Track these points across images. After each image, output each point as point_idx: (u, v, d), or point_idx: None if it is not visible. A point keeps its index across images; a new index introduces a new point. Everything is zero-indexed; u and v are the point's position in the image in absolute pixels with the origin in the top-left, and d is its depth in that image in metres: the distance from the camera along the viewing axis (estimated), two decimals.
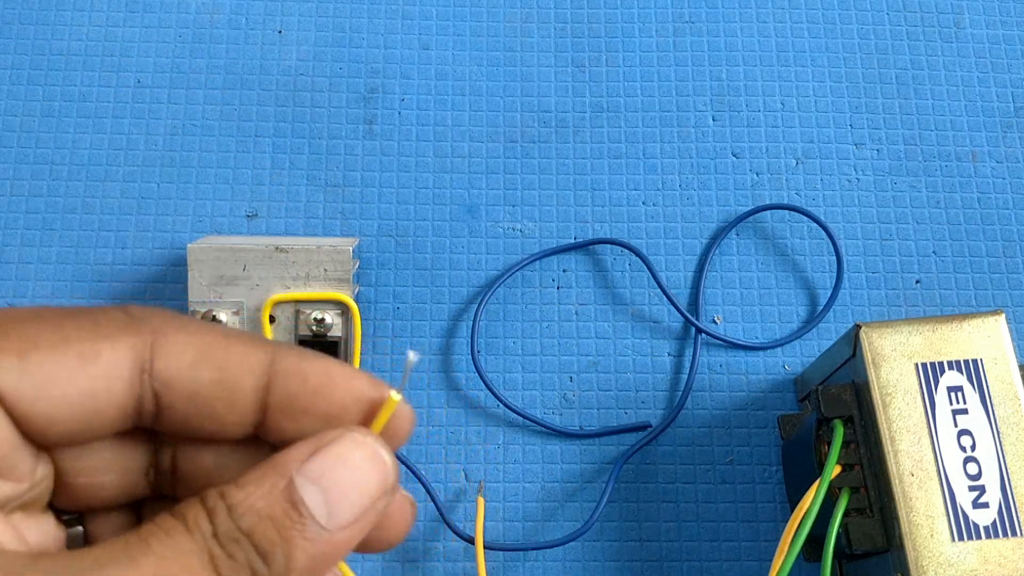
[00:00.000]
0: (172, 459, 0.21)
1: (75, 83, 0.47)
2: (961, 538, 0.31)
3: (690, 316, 0.44)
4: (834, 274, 0.45)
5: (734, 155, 0.47)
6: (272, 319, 0.41)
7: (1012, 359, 0.34)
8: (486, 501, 0.42)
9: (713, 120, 0.48)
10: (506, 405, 0.43)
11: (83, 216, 0.45)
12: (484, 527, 0.40)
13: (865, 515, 0.33)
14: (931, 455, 0.32)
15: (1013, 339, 0.34)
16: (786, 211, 0.46)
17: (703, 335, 0.44)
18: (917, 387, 0.33)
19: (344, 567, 0.21)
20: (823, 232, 0.46)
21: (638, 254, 0.45)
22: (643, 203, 0.46)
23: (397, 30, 0.49)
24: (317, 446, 0.18)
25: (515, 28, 0.49)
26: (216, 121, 0.47)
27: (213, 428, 0.20)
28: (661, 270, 0.45)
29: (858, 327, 0.34)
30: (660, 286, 0.44)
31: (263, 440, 0.20)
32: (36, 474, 0.19)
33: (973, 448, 0.32)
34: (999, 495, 0.32)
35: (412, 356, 0.21)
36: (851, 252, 0.46)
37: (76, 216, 0.45)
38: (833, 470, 0.33)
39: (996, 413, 0.33)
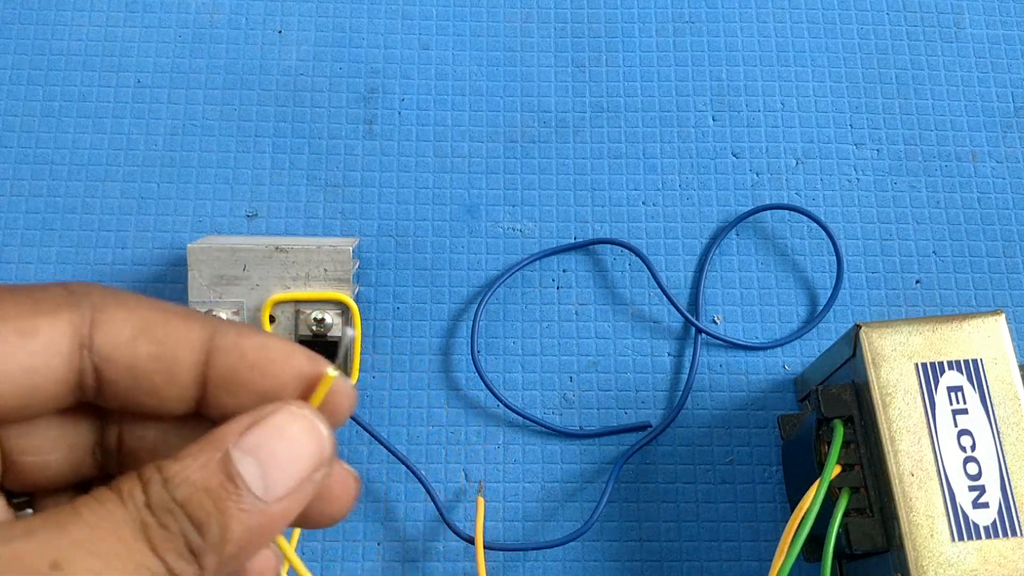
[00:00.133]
0: (118, 437, 0.21)
1: (75, 83, 0.47)
2: (961, 538, 0.31)
3: (690, 316, 0.44)
4: (834, 274, 0.45)
5: (734, 155, 0.47)
6: (272, 319, 0.41)
7: (1012, 359, 0.34)
8: (486, 501, 0.42)
9: (713, 120, 0.48)
10: (506, 405, 0.43)
11: (83, 216, 0.45)
12: (484, 527, 0.40)
13: (865, 515, 0.33)
14: (931, 455, 0.32)
15: (1013, 339, 0.34)
16: (786, 211, 0.46)
17: (703, 335, 0.44)
18: (917, 387, 0.33)
19: (284, 544, 0.21)
20: (823, 232, 0.46)
21: (638, 254, 0.45)
22: (643, 203, 0.46)
23: (397, 30, 0.49)
24: (255, 419, 0.18)
25: (515, 28, 0.49)
26: (216, 121, 0.47)
27: (154, 403, 0.20)
28: (661, 270, 0.45)
29: (858, 327, 0.34)
30: (660, 286, 0.44)
31: (206, 418, 0.20)
32: None
33: (973, 448, 0.32)
34: (999, 495, 0.32)
35: (349, 332, 0.21)
36: (851, 252, 0.46)
37: (76, 216, 0.45)
38: (833, 470, 0.33)
39: (996, 413, 0.33)
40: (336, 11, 0.49)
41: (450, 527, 0.40)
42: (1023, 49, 0.49)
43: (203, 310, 0.40)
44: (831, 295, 0.45)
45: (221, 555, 0.17)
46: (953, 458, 0.32)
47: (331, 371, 0.20)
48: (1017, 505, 0.32)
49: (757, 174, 0.47)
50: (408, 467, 0.41)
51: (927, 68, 0.49)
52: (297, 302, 0.41)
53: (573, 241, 0.45)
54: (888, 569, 0.33)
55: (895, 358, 0.34)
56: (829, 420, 0.35)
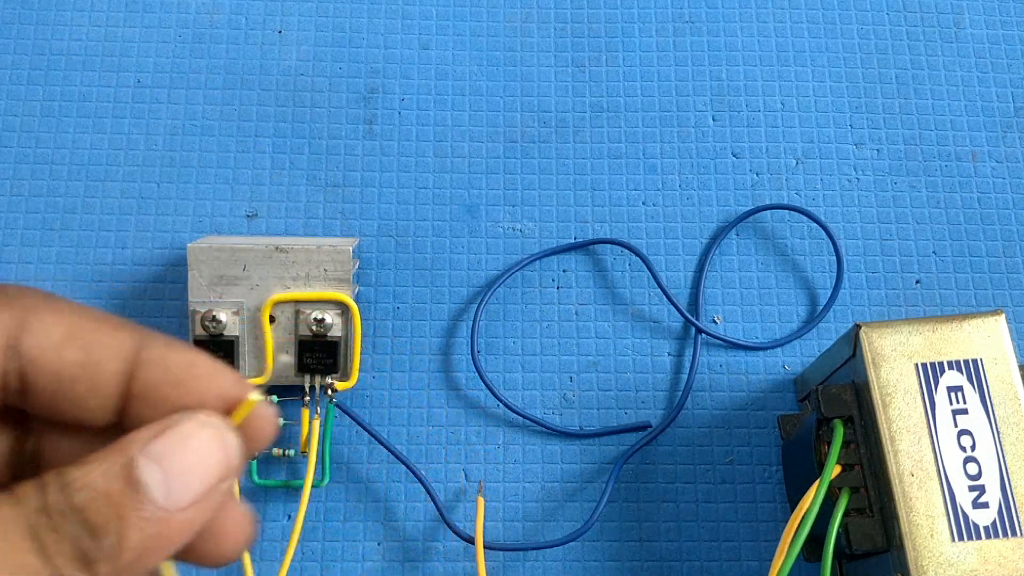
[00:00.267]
0: (36, 446, 0.20)
1: (75, 83, 0.47)
2: (961, 538, 0.31)
3: (690, 316, 0.44)
4: (834, 274, 0.45)
5: (734, 155, 0.47)
6: (272, 319, 0.41)
7: (1012, 359, 0.34)
8: (486, 501, 0.42)
9: (713, 120, 0.48)
10: (506, 405, 0.43)
11: (83, 216, 0.45)
12: (484, 527, 0.40)
13: (865, 515, 0.33)
14: (931, 455, 0.32)
15: (1013, 339, 0.34)
16: (786, 211, 0.46)
17: (703, 335, 0.44)
18: (917, 387, 0.33)
19: (169, 569, 0.20)
20: (823, 232, 0.46)
21: (638, 254, 0.45)
22: (643, 203, 0.46)
23: (397, 30, 0.49)
24: (164, 427, 0.18)
25: (515, 28, 0.49)
26: (216, 121, 0.47)
27: (76, 411, 0.19)
28: (661, 270, 0.45)
29: (858, 327, 0.34)
30: (660, 286, 0.44)
31: (127, 430, 0.20)
32: None
33: (973, 448, 0.32)
34: (999, 495, 0.32)
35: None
36: (851, 252, 0.46)
37: (76, 216, 0.45)
38: (833, 470, 0.33)
39: (996, 413, 0.33)
40: (336, 11, 0.49)
41: (450, 527, 0.40)
42: (1023, 49, 0.49)
43: (203, 310, 0.40)
44: (831, 295, 0.45)
45: (116, 564, 0.17)
46: (953, 458, 0.32)
47: (254, 396, 0.20)
48: (1017, 505, 0.32)
49: (757, 174, 0.47)
50: (408, 467, 0.41)
51: (927, 68, 0.49)
52: (297, 302, 0.41)
53: (573, 241, 0.45)
54: (888, 569, 0.33)
55: (895, 358, 0.34)
56: (829, 420, 0.35)
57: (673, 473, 0.42)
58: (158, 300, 0.44)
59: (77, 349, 0.19)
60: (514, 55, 0.48)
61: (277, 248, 0.40)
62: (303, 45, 0.48)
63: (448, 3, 0.49)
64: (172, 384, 0.19)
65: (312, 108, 0.47)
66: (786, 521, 0.33)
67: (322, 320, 0.40)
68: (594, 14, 0.49)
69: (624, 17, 0.49)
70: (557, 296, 0.45)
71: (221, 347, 0.40)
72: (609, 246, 0.45)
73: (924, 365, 0.34)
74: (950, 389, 0.33)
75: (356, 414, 0.42)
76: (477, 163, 0.47)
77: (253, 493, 0.41)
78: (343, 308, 0.41)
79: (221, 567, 0.21)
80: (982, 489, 0.32)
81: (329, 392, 0.41)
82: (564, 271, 0.45)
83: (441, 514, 0.40)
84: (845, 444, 0.34)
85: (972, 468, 0.32)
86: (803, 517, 0.33)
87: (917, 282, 0.45)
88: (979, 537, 0.31)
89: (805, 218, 0.46)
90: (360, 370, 0.43)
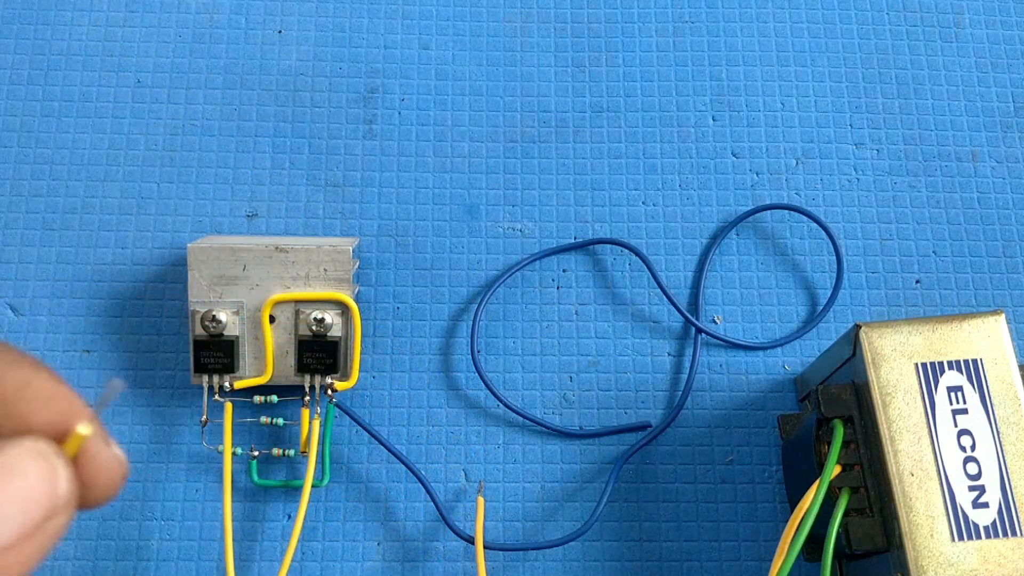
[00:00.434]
0: None
1: (75, 83, 0.47)
2: (961, 538, 0.31)
3: (690, 316, 0.44)
4: (834, 274, 0.45)
5: (734, 155, 0.47)
6: (272, 319, 0.41)
7: (1012, 359, 0.34)
8: (486, 501, 0.42)
9: (713, 120, 0.48)
10: (506, 405, 0.43)
11: (83, 216, 0.45)
12: (484, 527, 0.40)
13: (865, 515, 0.33)
14: (931, 455, 0.32)
15: (1013, 339, 0.34)
16: (786, 211, 0.46)
17: (703, 335, 0.44)
18: (917, 387, 0.33)
19: None
20: (823, 232, 0.46)
21: (638, 254, 0.45)
22: (643, 203, 0.46)
23: (397, 30, 0.49)
24: None
25: (515, 28, 0.49)
26: (216, 121, 0.47)
27: None
28: (661, 270, 0.45)
29: (858, 327, 0.34)
30: (660, 286, 0.44)
31: None
32: None
33: (973, 448, 0.32)
34: (999, 495, 0.32)
35: (117, 384, 0.18)
36: (851, 252, 0.46)
37: (76, 216, 0.45)
38: (833, 470, 0.33)
39: (996, 413, 0.33)
40: (336, 11, 0.49)
41: (450, 527, 0.40)
42: (1023, 49, 0.49)
43: (203, 310, 0.40)
44: (831, 295, 0.45)
45: None
46: (953, 458, 0.32)
47: (83, 428, 0.18)
48: (1017, 505, 0.32)
49: (757, 174, 0.47)
50: (408, 467, 0.41)
51: (927, 68, 0.49)
52: (297, 302, 0.41)
53: (573, 241, 0.45)
54: (888, 569, 0.33)
55: (895, 358, 0.34)
56: (829, 420, 0.35)
57: (673, 473, 0.42)
58: (158, 300, 0.44)
59: None
60: (514, 55, 0.48)
61: (277, 248, 0.40)
62: (303, 45, 0.48)
63: (448, 3, 0.49)
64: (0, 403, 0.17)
65: (312, 108, 0.47)
66: (786, 521, 0.33)
67: (322, 320, 0.40)
68: (594, 14, 0.49)
69: (624, 17, 0.49)
70: (557, 296, 0.45)
71: (221, 347, 0.40)
72: (609, 246, 0.45)
73: (924, 365, 0.34)
74: (950, 389, 0.33)
75: (356, 414, 0.42)
76: (477, 163, 0.47)
77: (253, 493, 0.41)
78: (343, 308, 0.41)
79: (95, 508, 0.19)
80: (982, 489, 0.32)
81: (329, 392, 0.41)
82: (564, 271, 0.45)
83: (441, 514, 0.40)
84: (845, 444, 0.34)
85: (972, 468, 0.32)
86: (803, 517, 0.33)
87: (917, 282, 0.45)
88: (979, 537, 0.31)
89: (805, 218, 0.46)
90: (360, 370, 0.43)
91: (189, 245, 0.40)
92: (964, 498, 0.32)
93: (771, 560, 0.33)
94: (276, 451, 0.41)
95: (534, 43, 0.49)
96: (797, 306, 0.45)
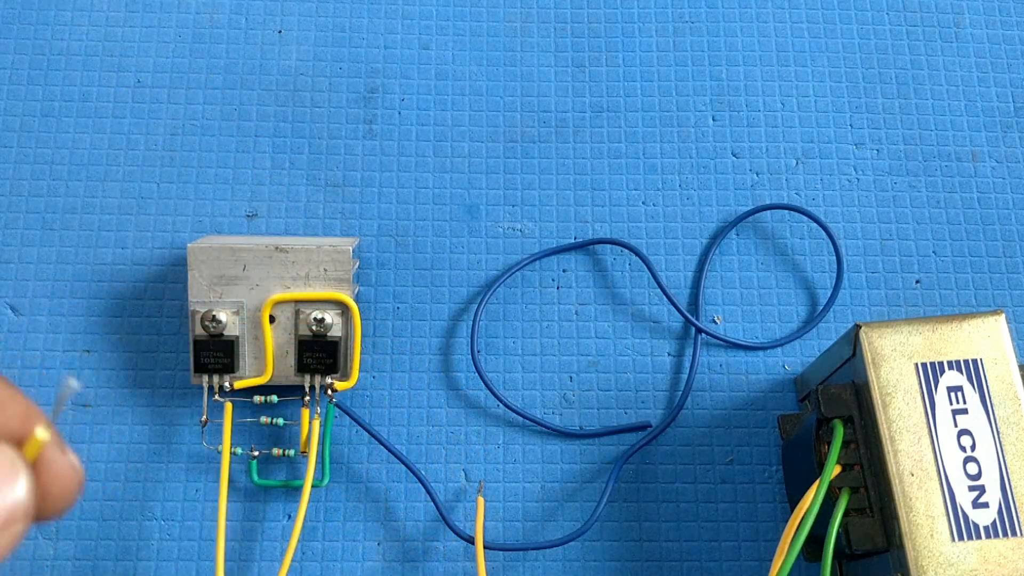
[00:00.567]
0: None
1: (75, 83, 0.47)
2: (961, 538, 0.31)
3: (690, 316, 0.44)
4: (834, 274, 0.45)
5: (734, 155, 0.47)
6: (272, 319, 0.41)
7: (1012, 359, 0.34)
8: (486, 501, 0.42)
9: (713, 120, 0.48)
10: (506, 405, 0.43)
11: (83, 216, 0.45)
12: (484, 527, 0.40)
13: (865, 515, 0.33)
14: (931, 455, 0.32)
15: (1013, 339, 0.34)
16: (786, 211, 0.46)
17: (703, 335, 0.44)
18: (917, 387, 0.33)
19: None
20: (823, 232, 0.46)
21: (638, 254, 0.45)
22: (643, 203, 0.46)
23: (397, 30, 0.49)
24: None
25: (515, 28, 0.49)
26: (216, 121, 0.47)
27: None
28: (661, 270, 0.45)
29: (858, 327, 0.34)
30: (660, 286, 0.44)
31: None
32: None
33: (973, 448, 0.32)
34: (999, 495, 0.32)
35: (73, 384, 0.18)
36: (851, 252, 0.46)
37: (76, 216, 0.45)
38: (833, 470, 0.33)
39: (996, 413, 0.33)
40: (336, 11, 0.49)
41: (450, 527, 0.40)
42: (1023, 49, 0.49)
43: (203, 310, 0.40)
44: (831, 295, 0.45)
45: None
46: (953, 458, 0.32)
47: (41, 433, 0.17)
48: (1017, 505, 0.32)
49: (757, 174, 0.47)
50: (408, 467, 0.41)
51: (927, 68, 0.49)
52: (297, 302, 0.41)
53: (573, 241, 0.45)
54: (888, 569, 0.33)
55: (895, 358, 0.34)
56: (829, 420, 0.35)
57: (673, 473, 0.42)
58: (158, 300, 0.44)
59: None
60: (514, 55, 0.48)
61: (277, 248, 0.40)
62: (303, 45, 0.48)
63: (448, 3, 0.49)
64: None
65: (312, 108, 0.47)
66: (786, 521, 0.33)
67: (322, 320, 0.40)
68: (594, 14, 0.49)
69: (624, 17, 0.49)
70: (557, 296, 0.45)
71: (221, 347, 0.40)
72: (609, 246, 0.45)
73: (924, 365, 0.34)
74: (950, 389, 0.33)
75: (356, 414, 0.42)
76: (477, 163, 0.47)
77: (253, 493, 0.41)
78: (343, 308, 0.41)
79: (51, 520, 0.19)
80: (982, 489, 0.32)
81: (329, 392, 0.41)
82: (564, 271, 0.45)
83: (441, 514, 0.40)
84: (845, 444, 0.34)
85: (972, 468, 0.32)
86: (803, 517, 0.33)
87: (917, 282, 0.45)
88: (979, 537, 0.31)
89: (805, 218, 0.46)
90: (360, 370, 0.43)
91: (189, 245, 0.40)
92: (964, 498, 0.32)
93: (771, 560, 0.33)
94: (276, 451, 0.41)
95: (534, 43, 0.49)
96: (797, 306, 0.45)
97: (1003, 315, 0.34)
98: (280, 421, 0.41)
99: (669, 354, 0.44)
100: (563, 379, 0.44)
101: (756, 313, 0.45)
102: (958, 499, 0.32)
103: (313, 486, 0.40)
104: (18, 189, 0.45)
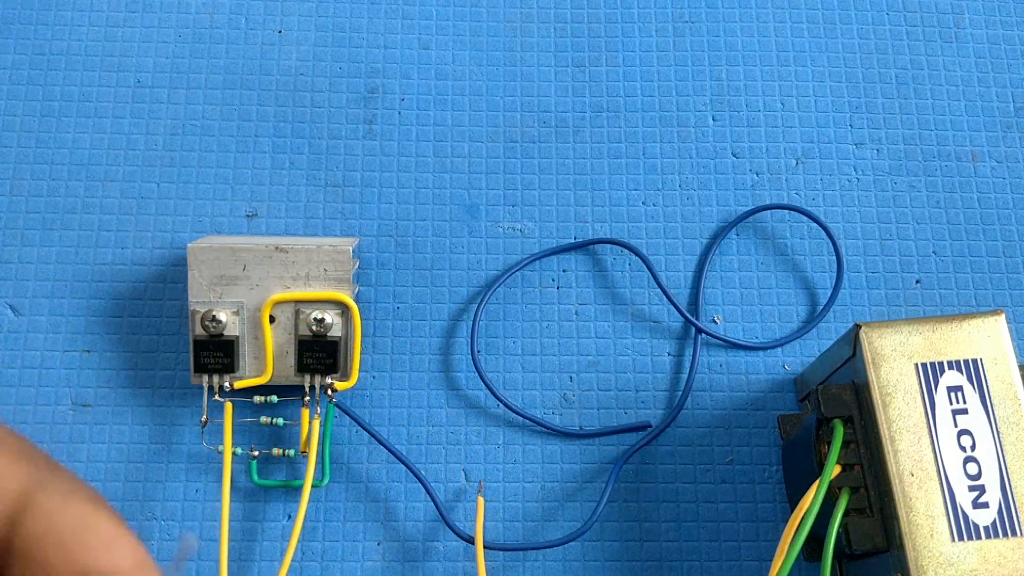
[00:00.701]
0: None
1: (75, 83, 0.47)
2: (961, 538, 0.31)
3: (690, 316, 0.44)
4: (834, 274, 0.45)
5: (734, 155, 0.47)
6: (272, 319, 0.41)
7: (1012, 359, 0.34)
8: (486, 501, 0.42)
9: (713, 120, 0.48)
10: (506, 405, 0.43)
11: (83, 216, 0.45)
12: (484, 527, 0.40)
13: (865, 515, 0.33)
14: (931, 455, 0.32)
15: (1013, 339, 0.34)
16: (786, 211, 0.46)
17: (703, 335, 0.44)
18: (917, 387, 0.33)
19: None
20: (823, 232, 0.46)
21: (638, 254, 0.45)
22: (643, 203, 0.46)
23: (397, 30, 0.49)
24: None
25: (515, 28, 0.49)
26: (216, 121, 0.47)
27: None
28: (661, 270, 0.45)
29: (858, 327, 0.34)
30: (660, 286, 0.44)
31: None
32: None
33: (973, 448, 0.32)
34: (999, 495, 0.32)
35: (191, 540, 0.17)
36: (851, 252, 0.46)
37: (76, 216, 0.45)
38: (833, 470, 0.33)
39: (996, 413, 0.33)
40: (336, 11, 0.49)
41: (450, 527, 0.40)
42: (1023, 49, 0.49)
43: (203, 310, 0.40)
44: (831, 295, 0.45)
45: None
46: (953, 458, 0.32)
47: None
48: (1017, 505, 0.32)
49: (757, 174, 0.47)
50: (408, 467, 0.41)
51: (927, 68, 0.49)
52: (297, 302, 0.41)
53: (573, 241, 0.45)
54: (888, 569, 0.33)
55: (895, 358, 0.34)
56: (829, 420, 0.35)
57: (673, 473, 0.42)
58: (158, 300, 0.44)
59: None
60: (514, 55, 0.48)
61: (277, 248, 0.40)
62: (303, 45, 0.48)
63: (448, 3, 0.49)
64: (55, 546, 0.16)
65: (312, 108, 0.47)
66: (786, 521, 0.33)
67: (322, 320, 0.40)
68: (594, 14, 0.49)
69: (624, 17, 0.49)
70: (557, 296, 0.45)
71: (221, 347, 0.40)
72: (609, 246, 0.45)
73: (924, 365, 0.34)
74: (950, 389, 0.33)
75: (356, 414, 0.42)
76: (477, 163, 0.47)
77: (253, 493, 0.41)
78: (343, 308, 0.41)
79: None
80: (982, 489, 0.32)
81: (329, 392, 0.41)
82: (564, 271, 0.45)
83: (441, 514, 0.40)
84: (845, 444, 0.34)
85: (972, 468, 0.32)
86: (803, 517, 0.33)
87: (917, 282, 0.45)
88: (979, 537, 0.31)
89: (805, 218, 0.46)
90: (360, 370, 0.43)
91: (189, 245, 0.40)
92: (964, 498, 0.32)
93: (771, 560, 0.33)
94: (276, 451, 0.41)
95: (534, 43, 0.49)
96: (797, 306, 0.45)
97: (1003, 315, 0.34)
98: (280, 421, 0.41)
99: (669, 354, 0.44)
100: (563, 379, 0.44)
101: (756, 313, 0.45)
102: (958, 499, 0.32)
103: (313, 486, 0.40)
104: (18, 189, 0.45)
